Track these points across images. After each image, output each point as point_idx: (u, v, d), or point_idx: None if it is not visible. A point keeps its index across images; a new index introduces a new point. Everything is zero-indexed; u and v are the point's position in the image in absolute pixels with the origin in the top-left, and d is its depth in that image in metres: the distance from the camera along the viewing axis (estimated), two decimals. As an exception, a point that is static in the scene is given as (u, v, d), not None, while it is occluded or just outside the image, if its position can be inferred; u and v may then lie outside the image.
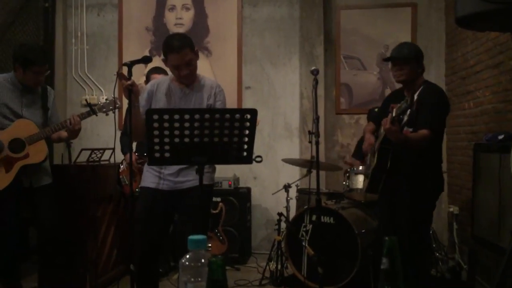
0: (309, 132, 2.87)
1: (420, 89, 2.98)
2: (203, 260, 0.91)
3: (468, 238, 3.70)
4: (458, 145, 4.36)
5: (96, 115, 3.22)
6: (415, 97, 2.87)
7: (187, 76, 2.70)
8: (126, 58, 5.03)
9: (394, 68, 3.06)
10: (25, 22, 4.93)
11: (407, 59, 2.99)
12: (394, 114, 2.74)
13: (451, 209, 4.36)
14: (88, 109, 3.17)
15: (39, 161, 3.12)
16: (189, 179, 2.69)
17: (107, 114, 3.20)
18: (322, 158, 4.79)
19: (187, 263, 0.91)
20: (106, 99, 3.09)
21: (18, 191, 3.08)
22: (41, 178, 3.20)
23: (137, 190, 3.49)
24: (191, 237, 0.94)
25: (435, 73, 4.88)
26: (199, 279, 0.88)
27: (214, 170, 2.87)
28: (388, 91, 4.84)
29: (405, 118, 2.93)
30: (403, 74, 3.00)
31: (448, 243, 4.53)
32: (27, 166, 3.07)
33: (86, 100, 4.52)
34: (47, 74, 3.25)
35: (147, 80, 3.88)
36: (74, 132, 3.15)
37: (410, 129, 2.93)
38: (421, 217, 2.95)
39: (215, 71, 5.09)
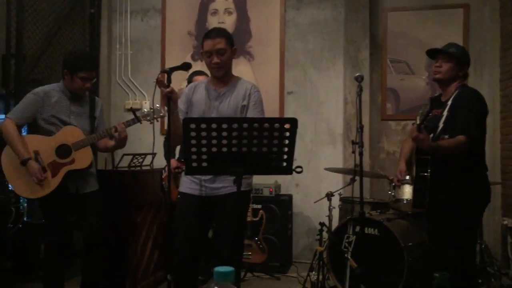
0: (353, 142, 2.75)
1: (455, 93, 2.84)
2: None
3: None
4: (513, 154, 4.11)
5: (141, 123, 3.20)
6: (449, 102, 2.74)
7: (217, 66, 2.66)
8: (169, 63, 5.05)
9: (435, 64, 2.94)
10: (71, 28, 5.03)
11: (449, 55, 2.87)
12: (418, 121, 2.62)
13: (505, 222, 4.12)
14: (132, 116, 3.17)
15: (84, 167, 3.15)
16: (226, 185, 2.63)
17: (151, 123, 3.17)
18: (366, 166, 4.64)
19: (212, 296, 0.82)
20: (151, 108, 3.07)
21: (65, 196, 3.12)
22: (87, 185, 3.23)
23: (178, 196, 3.47)
24: (217, 268, 0.86)
25: (489, 77, 4.64)
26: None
27: (251, 176, 2.79)
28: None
29: (441, 125, 2.79)
30: (440, 72, 2.89)
31: (502, 258, 4.27)
32: (73, 171, 3.11)
33: (131, 108, 4.56)
34: (95, 80, 3.29)
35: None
36: (121, 141, 3.16)
37: (446, 136, 2.79)
38: (466, 232, 2.80)
39: (257, 75, 5.02)
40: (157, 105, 3.14)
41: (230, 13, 5.16)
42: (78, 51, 3.54)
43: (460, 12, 4.71)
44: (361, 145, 2.64)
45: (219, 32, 2.69)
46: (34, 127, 3.18)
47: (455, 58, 2.88)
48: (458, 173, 2.79)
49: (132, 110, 3.30)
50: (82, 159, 3.12)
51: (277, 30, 5.02)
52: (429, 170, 2.84)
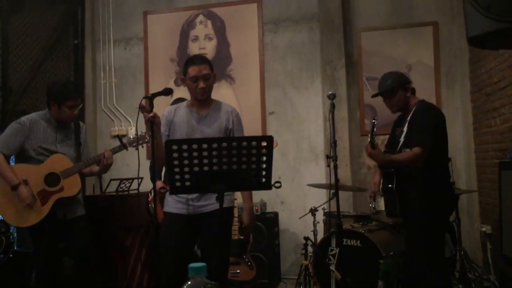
0: (327, 156, 2.91)
1: (413, 109, 3.07)
2: (202, 287, 0.94)
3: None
4: (487, 163, 4.27)
5: (127, 150, 3.30)
6: (409, 118, 2.96)
7: (203, 90, 2.82)
8: (153, 89, 5.19)
9: (385, 102, 3.18)
10: (56, 59, 5.15)
11: (392, 89, 3.10)
12: (369, 139, 2.86)
13: (484, 229, 4.26)
14: (118, 143, 3.28)
15: (73, 194, 3.23)
16: (211, 202, 2.76)
17: (136, 149, 3.26)
18: (348, 181, 4.79)
19: (187, 290, 0.95)
20: (136, 134, 3.18)
21: (53, 223, 3.19)
22: (74, 210, 3.30)
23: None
24: (191, 265, 0.98)
25: (460, 91, 4.84)
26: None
27: (233, 192, 2.92)
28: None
29: (402, 140, 3.00)
30: (394, 105, 3.14)
31: (483, 263, 4.41)
32: (61, 199, 3.18)
33: (117, 135, 4.67)
34: (80, 108, 3.38)
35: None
36: (106, 167, 3.26)
37: (408, 149, 2.99)
38: (431, 239, 2.95)
39: (239, 98, 5.18)
40: (142, 132, 3.22)
41: (210, 39, 5.34)
42: (61, 81, 3.60)
43: (430, 29, 4.93)
44: (335, 159, 2.79)
45: (204, 59, 2.89)
46: (22, 157, 3.24)
47: (397, 87, 3.11)
48: (421, 183, 2.97)
49: (119, 137, 3.41)
50: (71, 186, 3.20)
51: (256, 53, 5.20)
52: (394, 182, 3.03)
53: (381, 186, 3.17)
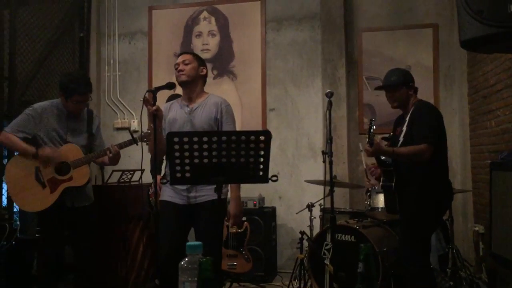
0: (323, 152, 2.99)
1: (412, 109, 3.13)
2: (198, 263, 1.04)
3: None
4: (481, 163, 4.35)
5: (137, 144, 3.35)
6: (407, 118, 3.02)
7: (180, 73, 3.02)
8: (156, 83, 5.27)
9: (387, 96, 3.24)
10: (62, 51, 5.25)
11: (396, 85, 3.16)
12: (367, 139, 2.94)
13: (476, 228, 4.34)
14: (121, 135, 3.36)
15: (82, 184, 3.31)
16: (202, 194, 2.86)
17: (147, 144, 3.33)
18: (345, 178, 4.88)
19: (185, 265, 1.04)
20: (148, 130, 3.24)
21: (61, 210, 3.28)
22: (82, 200, 3.39)
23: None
24: (188, 243, 1.07)
25: (458, 92, 4.92)
26: (195, 278, 1.01)
27: (227, 185, 3.00)
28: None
29: (401, 139, 3.06)
30: (395, 101, 3.20)
31: (475, 263, 4.49)
32: (70, 188, 3.28)
33: (129, 129, 4.78)
34: (90, 101, 3.45)
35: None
36: (112, 160, 3.35)
37: None
38: (422, 230, 3.04)
39: (240, 94, 5.27)
40: (148, 130, 3.30)
41: (213, 35, 5.42)
42: (74, 74, 3.59)
43: (430, 31, 5.01)
44: (331, 155, 2.88)
45: (188, 51, 3.21)
46: (36, 144, 3.31)
47: (401, 84, 3.17)
48: (419, 179, 3.04)
49: (130, 132, 3.48)
50: (80, 176, 3.28)
51: (258, 51, 5.28)
52: (394, 180, 3.11)
53: (381, 183, 3.25)
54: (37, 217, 3.40)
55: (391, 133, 3.15)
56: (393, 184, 3.08)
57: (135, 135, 3.34)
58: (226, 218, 3.07)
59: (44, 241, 3.33)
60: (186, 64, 3.03)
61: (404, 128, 3.13)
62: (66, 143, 3.32)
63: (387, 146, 3.13)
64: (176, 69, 3.05)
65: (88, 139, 3.41)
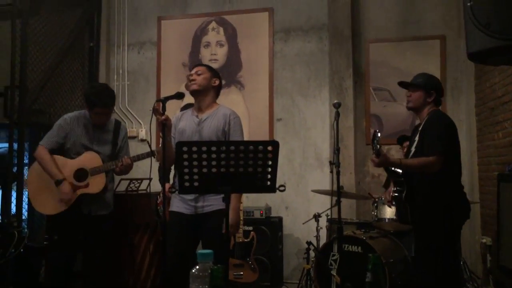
0: (330, 163, 3.00)
1: (426, 118, 3.09)
2: (209, 271, 1.05)
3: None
4: (489, 175, 4.35)
5: (154, 157, 3.40)
6: (421, 127, 3.00)
7: (192, 82, 3.06)
8: (164, 93, 5.32)
9: (406, 94, 3.22)
10: (72, 60, 5.32)
11: (416, 86, 3.14)
12: (373, 150, 2.91)
13: (484, 240, 4.31)
14: (147, 149, 3.40)
15: (96, 192, 3.38)
16: (209, 204, 2.88)
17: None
18: (352, 189, 4.88)
19: (196, 273, 1.06)
20: (161, 145, 3.28)
21: (77, 217, 3.35)
22: (100, 208, 3.44)
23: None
24: (199, 251, 1.09)
25: (465, 104, 4.92)
26: (206, 286, 1.02)
27: None
28: (418, 122, 4.90)
29: (413, 149, 3.04)
30: (410, 101, 3.17)
31: (483, 275, 4.47)
32: (87, 195, 3.34)
33: (147, 141, 4.82)
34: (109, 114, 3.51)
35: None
36: (125, 170, 3.45)
37: None
38: (444, 248, 2.95)
39: (248, 103, 5.30)
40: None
41: (221, 45, 5.47)
42: (97, 86, 3.66)
43: (437, 43, 5.03)
44: (338, 165, 2.88)
45: (200, 63, 3.26)
46: (61, 149, 3.44)
47: (422, 87, 3.14)
48: (430, 191, 2.99)
49: (149, 144, 3.52)
50: (96, 184, 3.36)
51: (266, 61, 5.32)
52: (405, 190, 3.09)
53: (392, 194, 3.23)
54: (46, 224, 3.44)
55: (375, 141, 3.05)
56: (403, 194, 3.05)
57: (154, 150, 3.39)
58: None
59: (56, 245, 3.37)
60: (199, 75, 3.07)
61: (417, 138, 3.09)
62: (90, 150, 3.41)
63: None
64: (188, 79, 3.11)
65: (113, 149, 3.48)
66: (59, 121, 3.47)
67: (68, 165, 3.36)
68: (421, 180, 3.04)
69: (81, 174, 3.35)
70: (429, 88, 3.12)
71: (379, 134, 2.90)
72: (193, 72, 3.09)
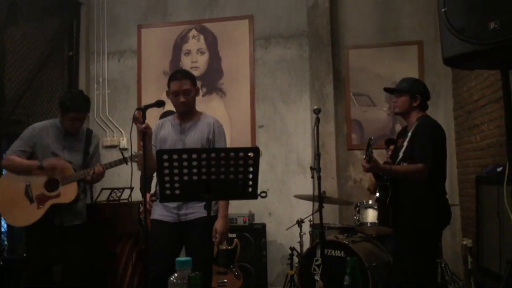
0: (311, 168, 3.01)
1: (415, 124, 3.09)
2: (187, 278, 1.05)
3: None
4: (468, 178, 4.41)
5: (127, 164, 3.37)
6: (410, 133, 3.02)
7: (183, 104, 2.99)
8: (145, 101, 5.29)
9: (393, 100, 3.24)
10: (51, 69, 5.25)
11: (401, 91, 3.16)
12: (364, 156, 2.91)
13: (465, 242, 4.38)
14: (109, 154, 3.38)
15: (69, 201, 3.31)
16: (193, 211, 2.87)
17: (136, 162, 3.34)
18: (334, 194, 4.91)
19: (174, 280, 1.05)
20: (139, 150, 3.25)
21: (49, 228, 3.28)
22: (72, 218, 3.38)
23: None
24: (178, 259, 1.09)
25: (444, 108, 5.00)
26: (184, 294, 1.03)
27: (217, 202, 3.00)
28: (398, 126, 4.97)
29: (400, 154, 3.07)
30: (396, 106, 3.18)
31: (464, 276, 4.52)
32: (58, 205, 3.28)
33: (119, 148, 4.78)
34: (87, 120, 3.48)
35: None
36: (96, 179, 3.41)
37: (405, 164, 3.03)
38: (424, 255, 2.96)
39: (229, 111, 5.30)
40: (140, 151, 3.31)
41: (202, 53, 5.47)
42: (73, 92, 3.63)
43: (415, 48, 5.11)
44: (319, 170, 2.90)
45: (185, 74, 3.03)
46: (30, 159, 3.37)
47: (406, 92, 3.16)
48: (415, 197, 3.00)
49: (121, 152, 3.50)
50: (68, 193, 3.30)
51: (247, 68, 5.34)
52: (390, 194, 3.11)
53: (376, 197, 3.25)
54: (25, 236, 3.38)
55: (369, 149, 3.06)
56: (388, 199, 3.07)
57: (125, 154, 3.36)
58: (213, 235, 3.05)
59: (29, 261, 3.31)
60: (188, 94, 2.99)
61: (405, 144, 3.09)
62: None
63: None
64: (174, 96, 2.99)
65: (84, 158, 3.44)
66: (27, 130, 3.41)
67: (39, 176, 3.30)
68: (406, 185, 3.05)
69: (52, 184, 3.29)
70: (413, 92, 3.14)
71: (373, 143, 2.91)
72: (179, 89, 2.97)
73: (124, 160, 3.33)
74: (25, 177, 3.29)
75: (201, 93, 5.20)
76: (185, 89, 2.98)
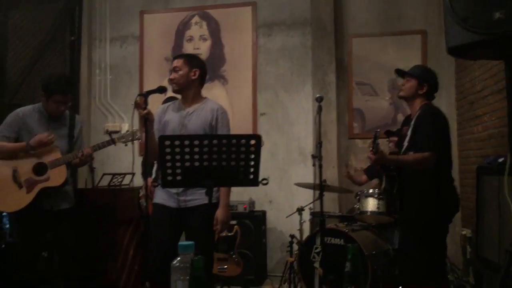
0: (312, 156, 3.02)
1: (418, 112, 3.09)
2: (190, 262, 1.06)
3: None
4: (469, 168, 4.41)
5: (115, 145, 3.36)
6: (413, 121, 3.02)
7: (171, 81, 3.03)
8: (147, 87, 5.26)
9: (402, 83, 3.24)
10: (53, 54, 5.25)
11: (411, 75, 3.15)
12: (370, 148, 2.91)
13: (464, 232, 4.40)
14: (108, 138, 3.36)
15: (58, 184, 3.28)
16: (195, 198, 2.87)
17: (126, 145, 3.34)
18: (335, 182, 4.92)
19: (177, 264, 1.06)
20: (127, 131, 3.24)
21: (39, 213, 3.25)
22: (61, 202, 3.35)
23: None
24: (180, 243, 1.10)
25: (446, 98, 4.98)
26: (187, 277, 1.03)
27: (218, 189, 3.01)
28: (400, 116, 4.96)
29: (405, 144, 3.06)
30: (402, 90, 3.18)
31: (463, 266, 4.55)
32: (48, 188, 3.25)
33: (107, 130, 4.75)
34: (70, 104, 3.45)
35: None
36: (84, 161, 3.35)
37: (411, 153, 3.02)
38: (433, 243, 2.96)
39: (231, 98, 5.30)
40: (135, 128, 3.27)
41: (205, 39, 5.45)
42: (56, 75, 3.59)
43: (418, 38, 5.08)
44: (320, 159, 2.90)
45: (180, 54, 3.13)
46: None
47: (415, 77, 3.15)
48: (421, 187, 3.00)
49: (109, 133, 3.49)
50: (57, 177, 3.26)
51: (249, 56, 5.32)
52: (396, 184, 3.12)
53: (383, 186, 3.25)
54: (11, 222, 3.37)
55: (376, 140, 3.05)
56: (395, 189, 3.07)
57: (113, 136, 3.34)
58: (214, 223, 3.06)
59: (22, 247, 3.29)
60: (177, 71, 3.02)
61: (409, 132, 3.08)
62: None
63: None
64: (170, 72, 3.08)
65: (69, 142, 3.40)
66: (10, 116, 3.34)
67: (26, 160, 3.25)
68: (413, 174, 3.04)
69: (40, 168, 3.26)
70: (422, 80, 3.12)
71: (379, 135, 2.91)
72: (171, 69, 3.04)
73: (112, 142, 3.31)
74: (11, 161, 3.22)
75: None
76: (174, 66, 3.02)
